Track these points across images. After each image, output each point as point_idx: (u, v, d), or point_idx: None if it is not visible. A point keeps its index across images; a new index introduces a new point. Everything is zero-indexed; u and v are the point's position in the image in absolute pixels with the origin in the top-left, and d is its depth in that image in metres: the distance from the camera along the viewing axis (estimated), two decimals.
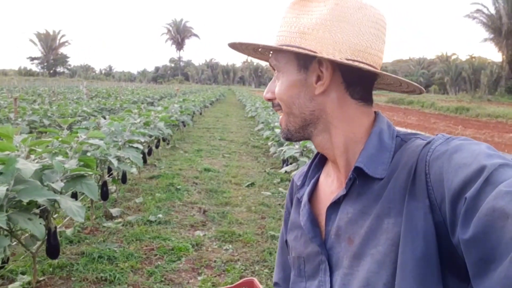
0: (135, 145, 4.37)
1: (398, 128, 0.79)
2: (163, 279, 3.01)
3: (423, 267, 0.61)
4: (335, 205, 0.75)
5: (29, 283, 2.77)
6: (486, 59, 47.24)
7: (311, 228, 0.78)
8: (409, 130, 0.82)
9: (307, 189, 0.85)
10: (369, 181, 0.71)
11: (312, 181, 0.85)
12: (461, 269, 0.57)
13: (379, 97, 35.08)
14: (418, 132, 0.80)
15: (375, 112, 0.79)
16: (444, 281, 0.61)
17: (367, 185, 0.71)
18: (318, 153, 0.88)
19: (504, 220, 0.48)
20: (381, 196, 0.69)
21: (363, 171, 0.71)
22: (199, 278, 3.07)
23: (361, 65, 0.71)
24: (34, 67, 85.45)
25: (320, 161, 0.88)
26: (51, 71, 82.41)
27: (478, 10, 39.45)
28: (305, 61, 0.74)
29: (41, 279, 2.88)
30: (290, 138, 0.80)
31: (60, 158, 2.79)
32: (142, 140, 4.81)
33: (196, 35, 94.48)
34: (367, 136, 0.75)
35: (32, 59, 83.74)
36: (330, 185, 0.82)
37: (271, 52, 0.79)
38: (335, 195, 0.75)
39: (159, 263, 3.27)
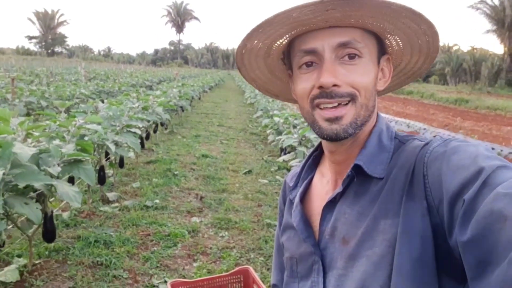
0: (133, 130, 4.35)
1: (395, 129, 0.80)
2: (158, 265, 3.03)
3: (420, 269, 0.61)
4: (331, 204, 0.75)
5: (25, 266, 2.79)
6: (488, 51, 47.01)
7: (304, 229, 0.78)
8: (405, 132, 0.81)
9: (300, 190, 0.84)
10: (367, 181, 0.71)
11: (305, 182, 0.85)
12: (457, 271, 0.57)
13: None
14: (415, 134, 0.80)
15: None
16: (440, 283, 0.61)
17: (364, 186, 0.71)
18: (311, 154, 0.87)
19: (502, 222, 0.48)
20: (379, 197, 0.68)
21: (362, 170, 0.71)
22: (195, 264, 3.09)
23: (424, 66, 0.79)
24: (32, 46, 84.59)
25: (313, 162, 0.87)
26: (49, 51, 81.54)
27: (482, 1, 39.04)
28: (381, 54, 0.74)
29: (37, 262, 2.89)
30: (351, 133, 0.70)
31: (57, 142, 2.77)
32: (140, 125, 4.79)
33: (196, 18, 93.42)
34: (368, 136, 0.75)
35: (30, 38, 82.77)
36: (325, 185, 0.81)
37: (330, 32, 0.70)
38: (332, 194, 0.75)
39: (155, 248, 3.29)
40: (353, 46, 0.68)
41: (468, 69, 41.28)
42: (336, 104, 0.68)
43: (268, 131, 7.33)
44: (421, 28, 0.68)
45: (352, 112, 0.69)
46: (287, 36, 0.72)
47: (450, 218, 0.56)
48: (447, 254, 0.59)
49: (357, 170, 0.71)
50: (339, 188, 0.73)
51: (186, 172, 5.62)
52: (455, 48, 55.12)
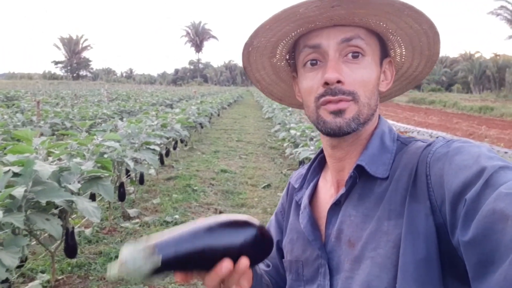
0: (152, 147, 4.43)
1: (398, 133, 0.80)
2: None
3: (424, 269, 0.60)
4: (336, 207, 0.75)
5: (48, 281, 2.85)
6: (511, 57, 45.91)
7: (312, 231, 0.78)
8: (407, 135, 0.82)
9: (307, 192, 0.84)
10: (370, 182, 0.71)
11: (312, 184, 0.85)
12: (461, 271, 0.56)
13: (400, 97, 34.51)
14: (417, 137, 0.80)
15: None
16: (445, 283, 0.60)
17: (368, 187, 0.71)
18: (317, 156, 0.88)
19: (504, 222, 0.47)
20: (383, 198, 0.68)
21: (364, 170, 0.71)
22: None
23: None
24: (58, 70, 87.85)
25: (319, 164, 0.87)
26: (74, 75, 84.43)
27: (502, 7, 38.40)
28: (383, 56, 0.76)
29: (59, 277, 2.96)
30: (354, 128, 0.70)
31: (77, 160, 2.86)
32: (159, 142, 4.88)
33: (214, 37, 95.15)
34: (370, 137, 0.76)
35: (56, 63, 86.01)
36: (329, 189, 0.82)
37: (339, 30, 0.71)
38: (335, 197, 0.75)
39: None
40: (356, 44, 0.70)
41: (491, 76, 40.36)
42: (339, 100, 0.70)
43: (285, 145, 7.33)
44: (422, 28, 0.71)
45: (355, 108, 0.70)
46: (292, 34, 0.74)
47: (452, 218, 0.56)
48: (451, 254, 0.58)
49: (360, 170, 0.72)
50: (342, 190, 0.73)
51: (205, 187, 5.66)
52: (477, 55, 54.11)
